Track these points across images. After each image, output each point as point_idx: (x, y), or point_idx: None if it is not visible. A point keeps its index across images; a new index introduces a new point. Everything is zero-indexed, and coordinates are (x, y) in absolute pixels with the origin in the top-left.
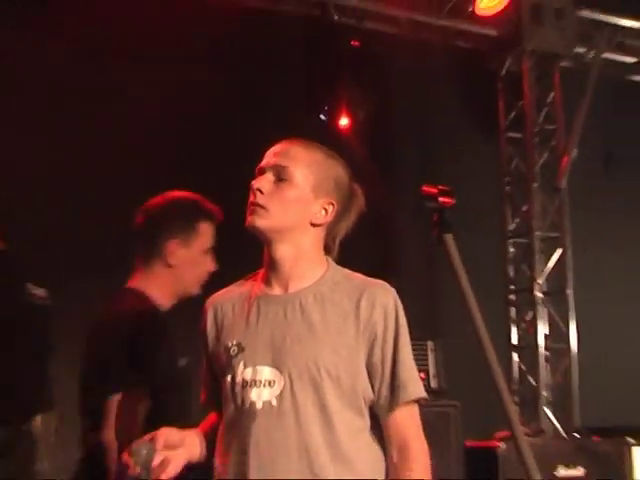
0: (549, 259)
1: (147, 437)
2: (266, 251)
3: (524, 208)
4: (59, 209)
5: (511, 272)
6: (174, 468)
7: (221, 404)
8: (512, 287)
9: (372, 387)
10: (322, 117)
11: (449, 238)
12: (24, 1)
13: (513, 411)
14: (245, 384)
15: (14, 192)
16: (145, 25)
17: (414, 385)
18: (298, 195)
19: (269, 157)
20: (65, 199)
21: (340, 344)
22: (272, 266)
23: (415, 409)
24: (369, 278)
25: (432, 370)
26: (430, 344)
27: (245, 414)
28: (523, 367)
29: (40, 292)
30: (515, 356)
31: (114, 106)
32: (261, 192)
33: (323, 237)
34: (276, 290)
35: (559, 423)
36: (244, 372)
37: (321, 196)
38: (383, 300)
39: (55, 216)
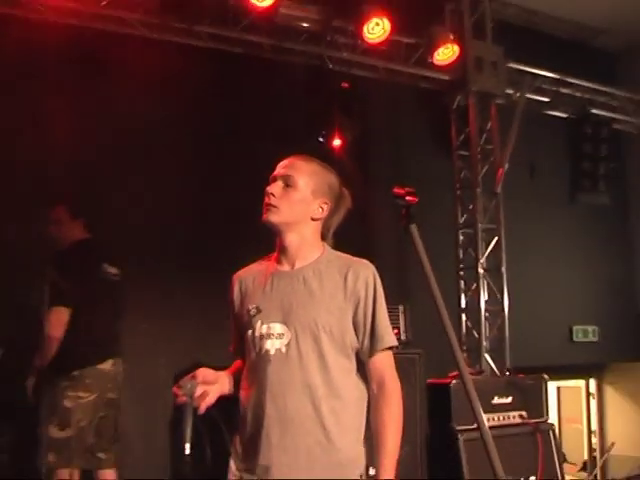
0: (489, 245)
1: (190, 375)
2: (278, 239)
3: (470, 207)
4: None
5: (461, 254)
6: (211, 398)
7: (244, 353)
8: (461, 266)
9: (357, 338)
10: (320, 139)
11: (414, 228)
12: None
13: (460, 356)
14: (262, 337)
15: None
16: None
17: (389, 336)
18: (301, 197)
19: (279, 169)
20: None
21: (333, 307)
22: (282, 250)
23: (390, 355)
24: (355, 257)
25: (402, 327)
26: (401, 307)
27: (262, 359)
28: (469, 324)
29: (113, 270)
30: (463, 316)
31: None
32: (273, 195)
33: (320, 228)
34: (285, 267)
35: (495, 365)
36: (261, 328)
37: (319, 197)
38: (365, 273)
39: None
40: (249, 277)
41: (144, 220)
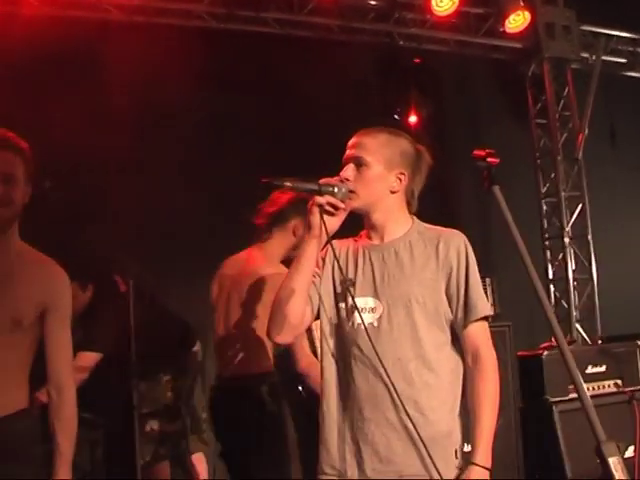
0: (573, 213)
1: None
2: (365, 218)
3: (552, 175)
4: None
5: (545, 224)
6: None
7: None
8: (546, 235)
9: (451, 309)
10: (396, 117)
11: (497, 189)
12: None
13: (556, 323)
14: (354, 310)
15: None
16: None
17: (482, 305)
18: (375, 174)
19: (348, 150)
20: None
21: (425, 278)
22: (371, 227)
23: (485, 325)
24: (444, 228)
25: (490, 300)
26: (488, 280)
27: (353, 333)
28: (558, 294)
29: None
30: (551, 287)
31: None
32: (348, 180)
33: (404, 197)
34: (376, 241)
35: (586, 334)
36: (353, 300)
37: (393, 169)
38: (456, 243)
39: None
40: (344, 249)
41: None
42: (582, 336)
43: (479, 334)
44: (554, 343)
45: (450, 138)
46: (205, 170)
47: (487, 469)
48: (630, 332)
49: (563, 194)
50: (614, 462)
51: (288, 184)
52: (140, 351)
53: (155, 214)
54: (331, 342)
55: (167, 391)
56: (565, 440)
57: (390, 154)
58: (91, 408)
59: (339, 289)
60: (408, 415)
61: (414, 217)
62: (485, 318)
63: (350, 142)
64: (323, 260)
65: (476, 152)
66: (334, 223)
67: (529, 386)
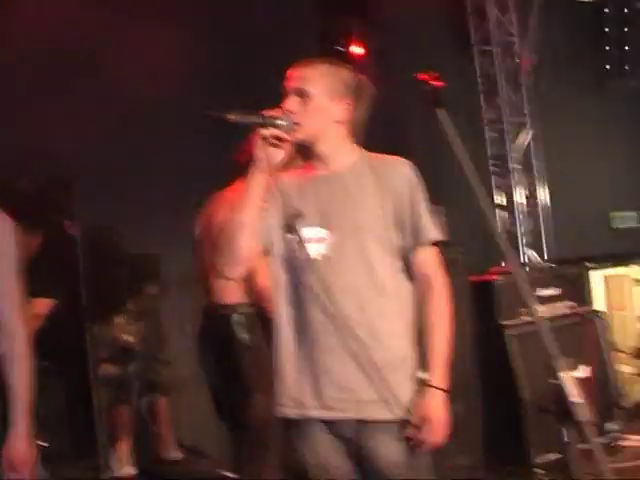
0: (518, 137)
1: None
2: (309, 150)
3: (496, 101)
4: None
5: (489, 151)
6: None
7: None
8: (492, 162)
9: (400, 236)
10: (339, 48)
11: (442, 112)
12: None
13: (508, 247)
14: (304, 241)
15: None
16: None
17: (433, 230)
18: (319, 105)
19: (288, 82)
20: None
21: (374, 206)
22: (316, 157)
23: (435, 250)
24: (391, 156)
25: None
26: (440, 208)
27: (304, 264)
28: (506, 219)
29: None
30: (498, 212)
31: None
32: (291, 112)
33: (348, 127)
34: (322, 172)
35: (535, 258)
36: (302, 232)
37: (336, 99)
38: (403, 170)
39: None
40: (289, 180)
41: None
42: (531, 259)
43: (429, 260)
44: (504, 267)
45: (395, 67)
46: (158, 104)
47: (444, 391)
48: (580, 254)
49: (507, 120)
50: (565, 377)
51: (232, 117)
52: (91, 294)
53: (118, 148)
54: (282, 274)
55: (121, 333)
56: (518, 362)
57: (332, 84)
58: (47, 356)
59: (287, 221)
60: (363, 342)
61: (360, 147)
62: (436, 244)
63: (290, 73)
64: (269, 193)
65: (420, 75)
66: (278, 155)
67: (482, 311)
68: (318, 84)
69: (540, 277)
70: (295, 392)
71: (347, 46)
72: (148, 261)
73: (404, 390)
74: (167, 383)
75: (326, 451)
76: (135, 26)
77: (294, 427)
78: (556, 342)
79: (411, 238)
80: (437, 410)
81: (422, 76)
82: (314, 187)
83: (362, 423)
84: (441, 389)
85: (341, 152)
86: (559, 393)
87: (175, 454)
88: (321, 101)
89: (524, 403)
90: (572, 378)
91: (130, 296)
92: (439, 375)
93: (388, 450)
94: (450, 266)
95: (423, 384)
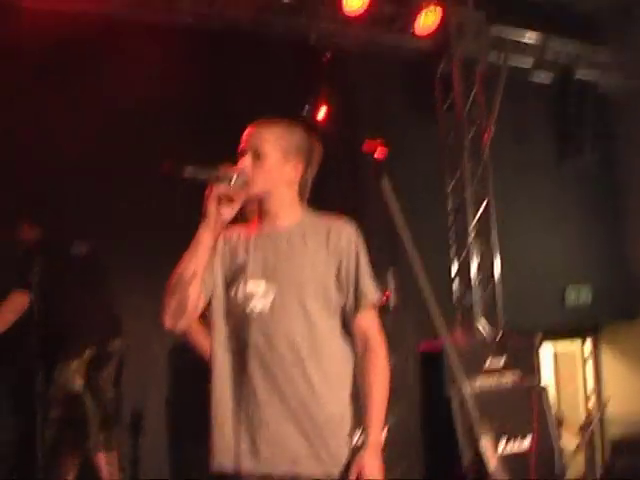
0: (477, 210)
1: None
2: (258, 205)
3: (458, 173)
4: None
5: (450, 221)
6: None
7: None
8: (452, 232)
9: (341, 296)
10: (305, 112)
11: (385, 183)
12: None
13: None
14: (245, 296)
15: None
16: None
17: (372, 293)
18: (272, 165)
19: (245, 141)
20: None
21: (317, 265)
22: (264, 213)
23: (374, 312)
24: (335, 217)
25: (392, 291)
26: (390, 271)
27: (245, 319)
28: (462, 289)
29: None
30: (456, 281)
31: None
32: (244, 170)
33: (297, 187)
34: (267, 229)
35: (489, 329)
36: (244, 287)
37: (290, 159)
38: (347, 231)
39: None
40: (234, 235)
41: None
42: (484, 330)
43: (369, 322)
44: (455, 337)
45: (359, 132)
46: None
47: (379, 448)
48: (532, 327)
49: (469, 190)
50: (484, 444)
51: (187, 172)
52: (50, 334)
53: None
54: (223, 328)
55: (76, 378)
56: (463, 431)
57: (287, 145)
58: None
59: (230, 275)
60: (301, 398)
61: (304, 205)
62: (375, 306)
63: (247, 132)
64: (214, 248)
65: (366, 146)
66: (229, 212)
67: (430, 379)
68: (273, 145)
69: (490, 347)
70: (230, 446)
71: (314, 110)
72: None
73: (340, 448)
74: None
75: None
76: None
77: None
78: (502, 411)
79: (351, 300)
80: (373, 468)
81: (366, 147)
82: (260, 243)
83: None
84: (377, 448)
85: (289, 210)
86: (480, 462)
87: None
88: (274, 161)
89: (465, 469)
90: (492, 448)
91: (92, 343)
92: (375, 434)
93: None
94: (399, 331)
95: (359, 443)
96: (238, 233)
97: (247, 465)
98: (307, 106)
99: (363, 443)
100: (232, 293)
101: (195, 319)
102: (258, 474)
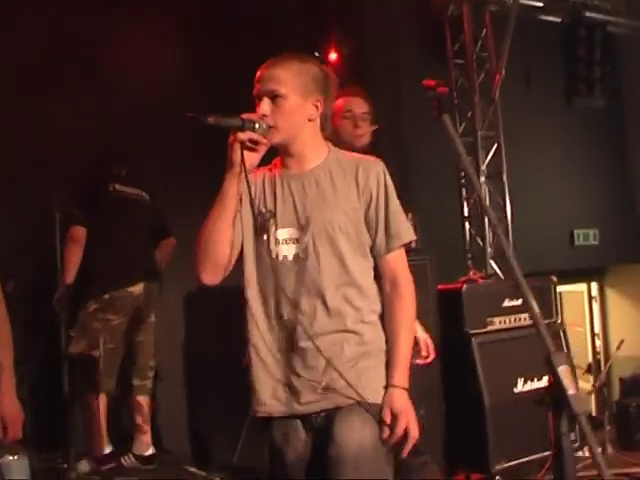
0: (488, 152)
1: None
2: (282, 149)
3: (469, 114)
4: None
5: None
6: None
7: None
8: (462, 173)
9: (371, 237)
10: (316, 54)
11: (446, 118)
12: None
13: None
14: (277, 242)
15: None
16: None
17: (404, 232)
18: (292, 106)
19: (259, 84)
20: None
21: (347, 207)
22: (289, 155)
23: (403, 252)
24: (363, 155)
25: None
26: (410, 214)
27: (278, 266)
28: (473, 232)
29: (133, 191)
30: (467, 224)
31: None
32: (266, 115)
33: (318, 124)
34: (294, 170)
35: (500, 271)
36: (276, 233)
37: (309, 97)
38: (375, 170)
39: None
40: (259, 179)
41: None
42: (496, 272)
43: (398, 261)
44: (472, 277)
45: (370, 75)
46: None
47: (406, 389)
48: (540, 270)
49: (479, 133)
50: (562, 370)
51: (211, 120)
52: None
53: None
54: (254, 275)
55: (93, 320)
56: (483, 370)
57: (304, 82)
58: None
59: (260, 222)
60: (336, 339)
61: (330, 144)
62: (406, 245)
63: (259, 74)
64: (241, 194)
65: (426, 82)
66: (254, 159)
67: (449, 319)
68: (290, 84)
69: (506, 288)
70: (270, 390)
71: (326, 53)
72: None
73: (376, 382)
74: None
75: (303, 447)
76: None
77: (271, 425)
78: (519, 352)
79: (381, 240)
80: (406, 406)
81: (428, 82)
82: (286, 186)
83: (333, 411)
84: (403, 388)
85: (314, 149)
86: (556, 386)
87: (149, 450)
88: (294, 102)
89: (486, 409)
90: (567, 369)
91: (107, 289)
92: (401, 374)
93: (355, 434)
94: (420, 273)
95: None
96: (263, 176)
97: (287, 407)
98: (318, 49)
99: (390, 382)
100: (262, 240)
101: (229, 269)
102: (298, 414)
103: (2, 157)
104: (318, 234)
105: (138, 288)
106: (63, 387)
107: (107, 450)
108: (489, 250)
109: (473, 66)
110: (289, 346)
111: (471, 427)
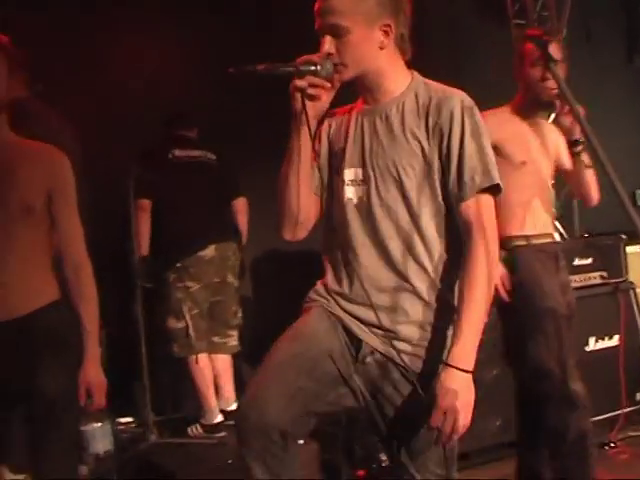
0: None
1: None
2: (359, 83)
3: None
4: None
5: None
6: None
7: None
8: None
9: (446, 179)
10: None
11: (553, 65)
12: None
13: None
14: (344, 183)
15: None
16: None
17: (483, 176)
18: (358, 37)
19: (318, 19)
20: None
21: (415, 146)
22: (366, 89)
23: (485, 200)
24: (447, 87)
25: None
26: None
27: (344, 208)
28: None
29: (196, 153)
30: None
31: None
32: (331, 54)
33: (395, 50)
34: (370, 105)
35: (565, 231)
36: (344, 173)
37: (375, 25)
38: (450, 104)
39: None
40: (337, 120)
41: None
42: (561, 233)
43: (475, 209)
44: None
45: (429, 37)
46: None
47: (467, 371)
48: (604, 230)
49: None
50: None
51: (261, 68)
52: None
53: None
54: (333, 220)
55: (175, 291)
56: None
57: (367, 9)
58: None
59: (334, 163)
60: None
61: (414, 73)
62: (489, 191)
63: (318, 6)
64: (319, 137)
65: (530, 32)
66: (321, 105)
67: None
68: (351, 14)
69: (576, 247)
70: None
71: None
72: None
73: (440, 351)
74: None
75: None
76: None
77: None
78: (589, 310)
79: (454, 187)
80: (454, 396)
81: (533, 32)
82: (359, 123)
83: (386, 361)
84: (463, 369)
85: (391, 79)
86: None
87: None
88: (359, 33)
89: None
90: None
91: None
92: (461, 352)
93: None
94: None
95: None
96: (341, 116)
97: (342, 313)
98: None
99: (446, 360)
100: (334, 181)
101: (312, 223)
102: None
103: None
104: (382, 175)
105: (209, 251)
106: (139, 354)
107: (217, 419)
108: (553, 210)
109: (534, 26)
110: (361, 291)
111: None
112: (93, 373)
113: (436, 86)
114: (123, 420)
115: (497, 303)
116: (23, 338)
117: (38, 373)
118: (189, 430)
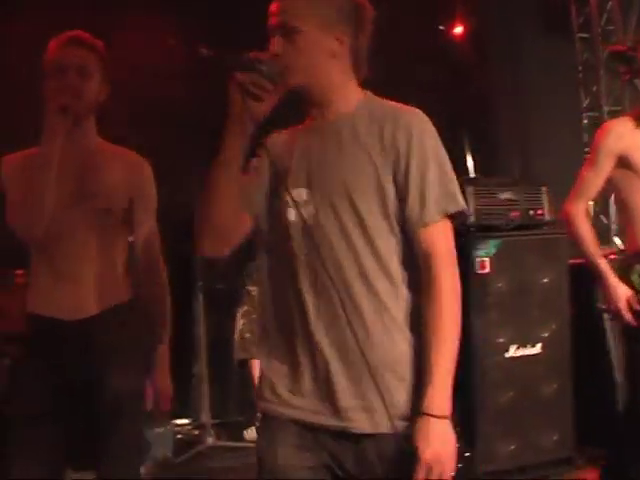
0: None
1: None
2: (306, 97)
3: (594, 89)
4: None
5: (585, 138)
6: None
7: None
8: (586, 150)
9: (402, 206)
10: (441, 27)
11: (638, 82)
12: None
13: None
14: (287, 204)
15: None
16: None
17: (446, 200)
18: (309, 40)
19: (273, 16)
20: None
21: (367, 166)
22: (313, 105)
23: (443, 227)
24: (402, 105)
25: (546, 207)
26: (544, 188)
27: (285, 233)
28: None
29: None
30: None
31: None
32: (277, 55)
33: (349, 61)
34: (318, 121)
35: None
36: (285, 195)
37: (329, 31)
38: (406, 122)
39: None
40: (282, 136)
41: None
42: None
43: (434, 237)
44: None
45: (492, 49)
46: None
47: (444, 417)
48: None
49: (605, 108)
50: None
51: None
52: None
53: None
54: (269, 242)
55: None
56: (615, 346)
57: (324, 12)
58: None
59: (274, 182)
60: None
61: (367, 92)
62: (451, 217)
63: (273, 6)
64: (259, 152)
65: (613, 47)
66: (263, 108)
67: (580, 294)
68: (306, 16)
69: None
70: (281, 383)
71: (450, 27)
72: None
73: (398, 396)
74: None
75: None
76: None
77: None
78: None
79: (410, 210)
80: (437, 447)
81: (616, 47)
82: (305, 140)
83: (343, 435)
84: (439, 416)
85: (341, 94)
86: None
87: None
88: (310, 36)
89: (617, 385)
90: None
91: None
92: (436, 397)
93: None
94: (554, 246)
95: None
96: (288, 133)
97: (289, 411)
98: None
99: (421, 408)
100: (274, 202)
101: (238, 242)
102: (301, 421)
103: None
104: (329, 197)
105: None
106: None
107: None
108: (613, 227)
109: (599, 40)
110: (306, 340)
111: (602, 403)
112: (163, 379)
113: (391, 104)
114: (179, 422)
115: (620, 325)
116: (94, 337)
117: (107, 373)
118: (245, 433)
